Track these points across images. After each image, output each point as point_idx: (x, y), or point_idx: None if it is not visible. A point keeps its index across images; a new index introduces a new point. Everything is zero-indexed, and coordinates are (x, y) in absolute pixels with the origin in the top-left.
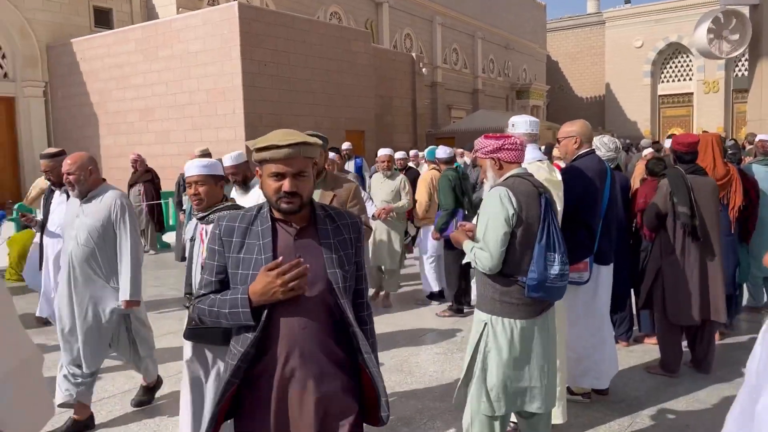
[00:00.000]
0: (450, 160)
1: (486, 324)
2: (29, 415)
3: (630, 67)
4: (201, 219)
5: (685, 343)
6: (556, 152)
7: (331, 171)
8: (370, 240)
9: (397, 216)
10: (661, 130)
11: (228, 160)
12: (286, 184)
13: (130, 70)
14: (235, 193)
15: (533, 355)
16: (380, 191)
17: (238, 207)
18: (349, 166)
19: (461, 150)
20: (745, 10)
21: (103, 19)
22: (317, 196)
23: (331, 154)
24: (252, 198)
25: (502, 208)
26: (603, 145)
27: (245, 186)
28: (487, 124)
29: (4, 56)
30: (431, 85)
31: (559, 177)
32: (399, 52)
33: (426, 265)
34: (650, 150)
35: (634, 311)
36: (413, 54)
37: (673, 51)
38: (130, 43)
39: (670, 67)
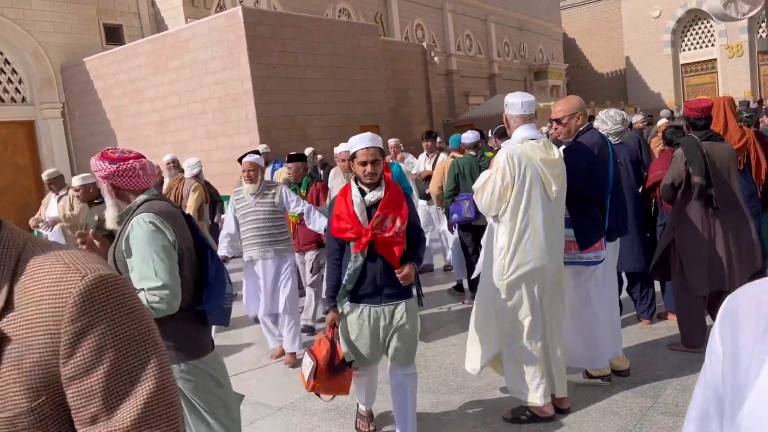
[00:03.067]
0: (474, 146)
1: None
2: None
3: (649, 38)
4: None
5: (709, 318)
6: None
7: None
8: None
9: None
10: (685, 99)
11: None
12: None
13: (143, 84)
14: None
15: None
16: None
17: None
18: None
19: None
20: None
21: (114, 36)
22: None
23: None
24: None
25: (159, 234)
26: (609, 118)
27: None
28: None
29: (21, 81)
30: (446, 74)
31: (557, 155)
32: (409, 43)
33: (452, 254)
34: (664, 120)
35: (657, 288)
36: (424, 44)
37: (693, 18)
38: (140, 57)
39: (691, 35)
